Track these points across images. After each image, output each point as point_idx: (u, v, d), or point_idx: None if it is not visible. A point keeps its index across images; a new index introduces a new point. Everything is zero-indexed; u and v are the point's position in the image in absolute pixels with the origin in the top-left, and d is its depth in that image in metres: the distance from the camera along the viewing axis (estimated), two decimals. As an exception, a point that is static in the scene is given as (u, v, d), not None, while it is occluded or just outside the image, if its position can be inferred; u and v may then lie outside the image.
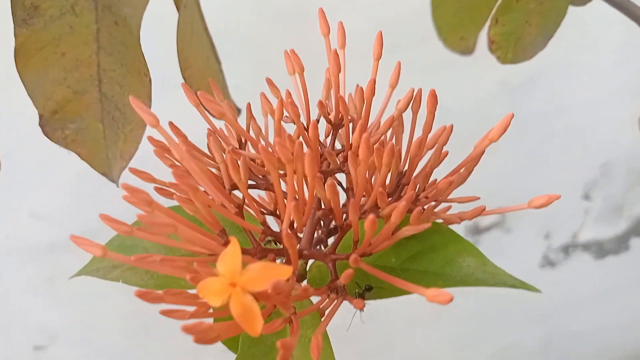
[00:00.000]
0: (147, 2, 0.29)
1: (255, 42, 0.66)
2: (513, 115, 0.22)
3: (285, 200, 0.22)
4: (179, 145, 0.21)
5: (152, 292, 0.18)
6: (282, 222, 0.21)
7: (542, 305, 0.92)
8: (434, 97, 0.22)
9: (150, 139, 0.24)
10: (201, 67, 0.37)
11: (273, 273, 0.16)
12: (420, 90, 0.26)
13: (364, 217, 0.22)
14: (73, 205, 0.72)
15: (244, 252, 0.21)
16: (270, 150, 0.25)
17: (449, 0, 0.55)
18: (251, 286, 0.16)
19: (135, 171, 0.24)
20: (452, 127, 0.25)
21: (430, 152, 0.25)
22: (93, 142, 0.32)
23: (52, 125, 0.31)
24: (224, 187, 0.22)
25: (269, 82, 0.27)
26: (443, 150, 0.25)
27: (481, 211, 0.23)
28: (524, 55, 0.40)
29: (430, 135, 0.25)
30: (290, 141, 0.19)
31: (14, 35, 0.29)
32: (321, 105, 0.24)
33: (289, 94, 0.24)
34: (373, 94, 0.23)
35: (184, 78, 0.35)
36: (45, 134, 0.32)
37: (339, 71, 0.24)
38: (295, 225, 0.21)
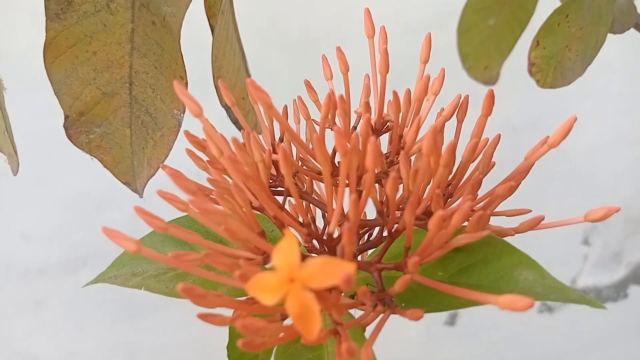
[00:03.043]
0: (190, 1, 0.28)
1: (265, 71, 0.66)
2: (576, 119, 0.20)
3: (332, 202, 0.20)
4: (222, 137, 0.20)
5: (197, 288, 0.16)
6: (328, 222, 0.19)
7: (539, 350, 0.91)
8: (491, 98, 0.21)
9: (187, 133, 0.22)
10: (232, 77, 0.36)
11: (336, 268, 0.15)
12: (467, 97, 0.24)
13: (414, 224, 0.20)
14: (65, 228, 0.70)
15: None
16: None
17: (477, 27, 0.54)
18: (313, 282, 0.15)
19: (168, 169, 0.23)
20: (499, 136, 0.24)
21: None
22: (118, 149, 0.31)
23: (77, 127, 0.30)
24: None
25: (307, 84, 0.26)
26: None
27: (539, 221, 0.21)
28: (562, 81, 0.39)
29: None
30: (346, 134, 0.17)
31: (45, 30, 0.28)
32: (367, 106, 0.22)
33: (333, 92, 0.23)
34: (425, 93, 0.22)
35: (215, 86, 0.34)
36: (69, 137, 0.30)
37: (387, 71, 0.23)
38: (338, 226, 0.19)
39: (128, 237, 0.18)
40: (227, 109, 0.36)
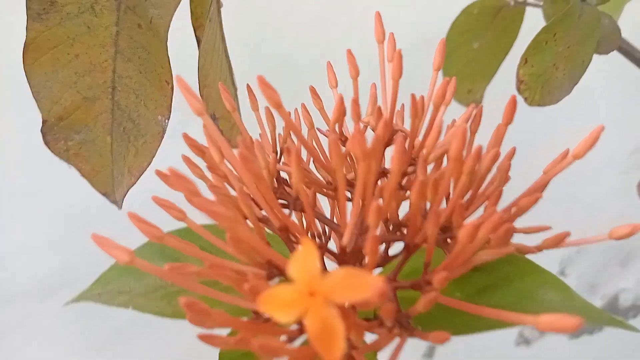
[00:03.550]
0: (179, 2, 0.27)
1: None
2: (603, 128, 0.19)
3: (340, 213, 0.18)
4: (225, 141, 0.18)
5: (200, 303, 0.14)
6: (340, 234, 0.18)
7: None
8: (513, 105, 0.20)
9: (186, 136, 0.20)
10: (219, 88, 0.34)
11: (363, 281, 0.13)
12: (480, 108, 0.23)
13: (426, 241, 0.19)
14: (52, 246, 0.67)
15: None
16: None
17: (461, 50, 0.54)
18: (337, 296, 0.13)
19: (161, 174, 0.21)
20: (514, 149, 0.23)
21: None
22: (98, 157, 0.29)
23: (55, 133, 0.28)
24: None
25: (312, 90, 0.24)
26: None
27: (564, 238, 0.20)
28: (550, 99, 0.38)
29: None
30: (362, 136, 0.16)
31: (26, 30, 0.26)
32: (379, 112, 0.21)
33: (342, 97, 0.21)
34: (442, 99, 0.21)
35: (201, 96, 0.32)
36: (46, 143, 0.28)
37: (400, 76, 0.22)
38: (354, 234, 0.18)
39: (120, 246, 0.16)
40: (214, 118, 0.34)
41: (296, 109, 0.24)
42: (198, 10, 0.32)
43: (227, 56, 0.35)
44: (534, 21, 0.49)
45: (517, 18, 0.49)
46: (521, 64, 0.37)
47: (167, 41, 0.27)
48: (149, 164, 0.28)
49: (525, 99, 0.39)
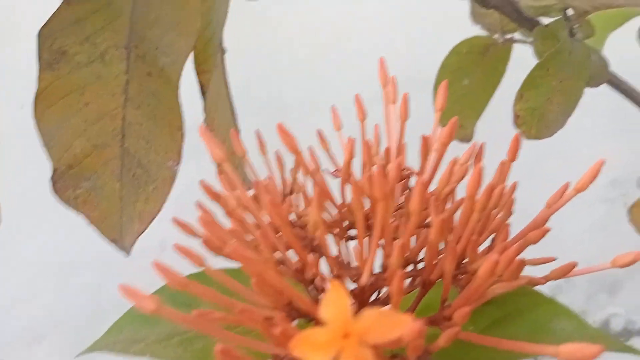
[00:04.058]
0: (190, 50, 0.28)
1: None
2: (604, 162, 0.20)
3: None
4: (243, 187, 0.19)
5: (235, 350, 0.14)
6: (360, 273, 0.18)
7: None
8: (517, 142, 0.21)
9: (202, 183, 0.21)
10: (223, 132, 0.35)
11: (396, 321, 0.13)
12: (482, 145, 0.24)
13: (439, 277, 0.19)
14: (36, 295, 0.66)
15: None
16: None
17: (452, 87, 0.56)
18: (371, 336, 0.13)
19: (178, 222, 0.21)
20: (516, 183, 0.24)
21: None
22: (106, 204, 0.29)
23: (64, 181, 0.28)
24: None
25: (320, 134, 0.25)
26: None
27: (572, 268, 0.21)
28: (546, 132, 0.39)
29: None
30: (383, 177, 0.17)
31: (37, 79, 0.27)
32: (388, 153, 0.22)
33: (352, 140, 0.22)
34: (450, 139, 0.21)
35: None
36: (56, 191, 0.28)
37: (407, 118, 0.23)
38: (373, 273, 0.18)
39: (145, 294, 0.16)
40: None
41: (310, 147, 0.24)
42: (201, 56, 0.33)
43: (230, 101, 0.36)
44: (521, 57, 0.50)
45: (505, 55, 0.51)
46: (517, 99, 0.38)
47: (178, 87, 0.28)
48: (160, 210, 0.28)
49: (523, 133, 0.40)
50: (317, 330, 0.14)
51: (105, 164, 0.29)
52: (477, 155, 0.24)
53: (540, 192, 0.27)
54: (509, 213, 0.22)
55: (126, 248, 0.30)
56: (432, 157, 0.22)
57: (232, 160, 0.37)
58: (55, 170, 0.28)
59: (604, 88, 0.44)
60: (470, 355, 0.19)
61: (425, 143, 0.20)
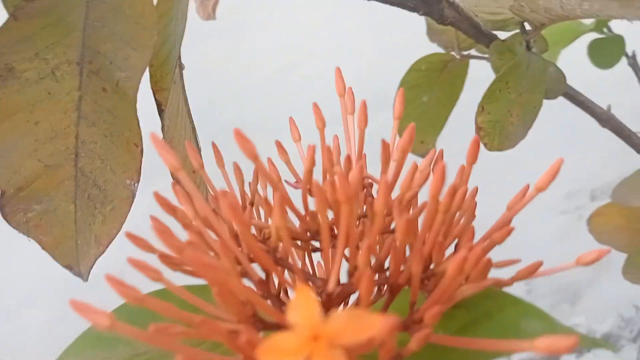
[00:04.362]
0: (147, 64, 0.27)
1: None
2: (563, 161, 0.20)
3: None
4: (201, 196, 0.18)
5: None
6: (319, 283, 0.18)
7: None
8: (477, 145, 0.21)
9: (156, 195, 0.20)
10: (184, 150, 0.34)
11: (365, 321, 0.13)
12: (441, 151, 0.24)
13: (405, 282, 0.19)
14: None
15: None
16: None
17: (412, 104, 0.57)
18: (342, 338, 0.13)
19: (132, 237, 0.20)
20: (477, 188, 0.24)
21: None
22: (60, 228, 0.28)
23: (14, 205, 0.27)
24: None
25: (278, 144, 0.25)
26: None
27: (537, 267, 0.21)
28: (508, 144, 0.40)
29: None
30: (345, 179, 0.16)
31: (-17, 98, 0.25)
32: (348, 160, 0.21)
33: (314, 147, 0.21)
34: (410, 144, 0.21)
35: (167, 158, 0.32)
36: (4, 215, 0.27)
37: (365, 125, 0.23)
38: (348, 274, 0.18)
39: (99, 310, 0.15)
40: (179, 180, 0.34)
41: (269, 159, 0.24)
42: (157, 74, 0.32)
43: (190, 118, 0.35)
44: (478, 73, 0.51)
45: (462, 71, 0.52)
46: (479, 111, 0.39)
47: (135, 103, 0.27)
48: (119, 231, 0.27)
49: (485, 145, 0.41)
50: (285, 336, 0.13)
51: (58, 186, 0.27)
52: (437, 159, 0.24)
53: (497, 204, 0.27)
54: (472, 216, 0.22)
55: (83, 274, 0.29)
56: (393, 165, 0.22)
57: (192, 178, 0.36)
58: (3, 194, 0.26)
59: (556, 102, 0.46)
60: (446, 356, 0.19)
61: (386, 148, 0.20)
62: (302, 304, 0.13)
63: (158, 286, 0.19)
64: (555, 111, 0.47)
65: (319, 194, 0.16)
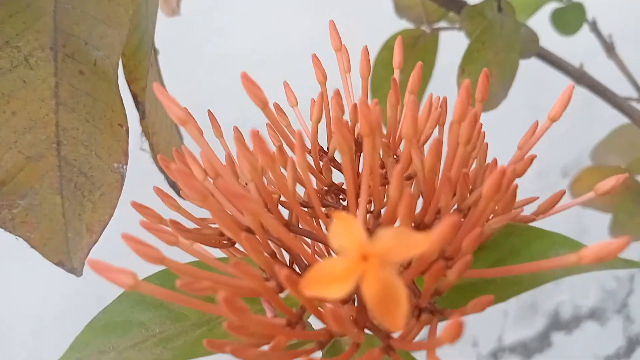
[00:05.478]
0: (124, 40, 0.26)
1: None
2: (574, 87, 0.20)
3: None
4: (213, 153, 0.17)
5: (239, 300, 0.13)
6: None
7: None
8: (487, 78, 0.20)
9: (161, 158, 0.19)
10: (166, 136, 0.33)
11: (414, 239, 0.12)
12: (445, 98, 0.24)
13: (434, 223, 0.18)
14: None
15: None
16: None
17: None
18: (392, 256, 0.12)
19: (138, 206, 0.19)
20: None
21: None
22: (47, 222, 0.26)
23: (-3, 201, 0.25)
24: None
25: (277, 107, 0.24)
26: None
27: (560, 197, 0.20)
28: (490, 105, 0.40)
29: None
30: (368, 109, 0.15)
31: (-46, 89, 0.24)
32: (355, 108, 0.21)
33: (321, 95, 0.21)
34: (418, 86, 0.21)
35: (151, 144, 0.31)
36: (-12, 213, 0.25)
37: (369, 74, 0.22)
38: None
39: (122, 269, 0.14)
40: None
41: (268, 124, 0.23)
42: (131, 64, 0.31)
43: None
44: (449, 45, 0.52)
45: (433, 44, 0.52)
46: (459, 73, 0.39)
47: (117, 80, 0.25)
48: (111, 217, 0.26)
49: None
50: (331, 262, 0.12)
51: (41, 178, 0.26)
52: (443, 103, 0.23)
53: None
54: (485, 156, 0.21)
55: (76, 269, 0.27)
56: (406, 106, 0.21)
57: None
58: (-15, 189, 0.25)
59: (521, 79, 0.46)
60: (485, 290, 0.18)
61: (396, 86, 0.19)
62: (344, 227, 0.12)
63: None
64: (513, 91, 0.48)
65: (340, 129, 0.15)
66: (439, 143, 0.15)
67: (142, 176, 0.32)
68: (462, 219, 0.18)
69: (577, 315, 1.02)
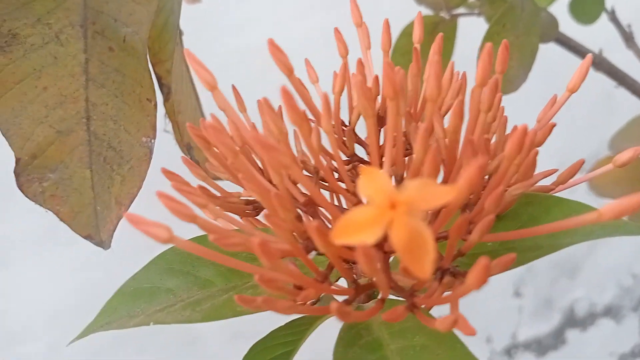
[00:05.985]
0: (152, 15, 0.26)
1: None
2: (592, 58, 0.20)
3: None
4: (239, 119, 0.18)
5: (273, 244, 0.13)
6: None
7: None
8: (506, 49, 0.21)
9: (190, 126, 0.19)
10: (191, 116, 0.33)
11: (439, 190, 0.12)
12: (464, 73, 0.24)
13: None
14: None
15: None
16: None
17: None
18: (421, 203, 0.12)
19: (167, 172, 0.20)
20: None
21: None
22: (77, 196, 0.27)
23: (29, 174, 0.26)
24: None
25: (299, 81, 0.24)
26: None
27: (580, 166, 0.20)
28: (510, 87, 0.40)
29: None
30: (392, 71, 0.16)
31: (-11, 64, 0.25)
32: (377, 80, 0.21)
33: (344, 65, 0.21)
34: (440, 51, 0.21)
35: (177, 122, 0.31)
36: (20, 185, 0.26)
37: (390, 46, 0.22)
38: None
39: (157, 223, 0.15)
40: (190, 148, 0.33)
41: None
42: (156, 46, 0.31)
43: (192, 83, 0.34)
44: (468, 32, 0.52)
45: (452, 31, 0.52)
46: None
47: (146, 55, 0.26)
48: (139, 189, 0.26)
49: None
50: (360, 210, 0.13)
51: (72, 152, 0.27)
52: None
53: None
54: (505, 124, 0.22)
55: (104, 242, 0.28)
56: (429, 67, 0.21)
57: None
58: (18, 161, 0.25)
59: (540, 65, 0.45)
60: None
61: (417, 54, 0.20)
62: (371, 178, 0.13)
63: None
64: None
65: (365, 91, 0.16)
66: (461, 103, 0.16)
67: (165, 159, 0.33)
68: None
69: (592, 312, 1.01)
